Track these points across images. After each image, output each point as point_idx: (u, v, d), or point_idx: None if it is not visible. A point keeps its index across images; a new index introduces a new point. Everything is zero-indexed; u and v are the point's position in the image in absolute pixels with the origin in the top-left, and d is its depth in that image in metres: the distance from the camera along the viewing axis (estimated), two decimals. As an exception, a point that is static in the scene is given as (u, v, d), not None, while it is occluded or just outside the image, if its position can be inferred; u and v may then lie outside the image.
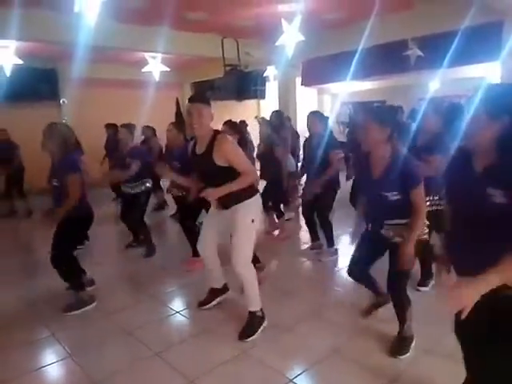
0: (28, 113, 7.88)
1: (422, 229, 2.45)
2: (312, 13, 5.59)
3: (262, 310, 2.99)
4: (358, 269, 2.79)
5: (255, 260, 3.57)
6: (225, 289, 3.37)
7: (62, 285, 3.53)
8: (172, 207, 6.30)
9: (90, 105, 8.76)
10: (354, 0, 5.40)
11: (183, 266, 4.24)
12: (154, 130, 6.84)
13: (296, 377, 2.45)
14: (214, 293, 3.35)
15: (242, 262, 2.85)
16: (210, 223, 3.15)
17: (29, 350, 2.85)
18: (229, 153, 2.76)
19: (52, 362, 2.71)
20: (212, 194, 2.79)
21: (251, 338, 2.84)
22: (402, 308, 2.58)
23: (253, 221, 2.88)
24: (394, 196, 2.39)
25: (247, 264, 2.90)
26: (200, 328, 3.05)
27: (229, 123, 4.48)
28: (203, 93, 3.04)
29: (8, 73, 6.56)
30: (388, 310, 2.78)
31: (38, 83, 8.33)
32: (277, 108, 8.33)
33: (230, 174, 2.77)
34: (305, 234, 5.05)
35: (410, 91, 9.01)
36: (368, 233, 2.69)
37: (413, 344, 2.62)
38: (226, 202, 2.90)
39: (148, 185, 4.66)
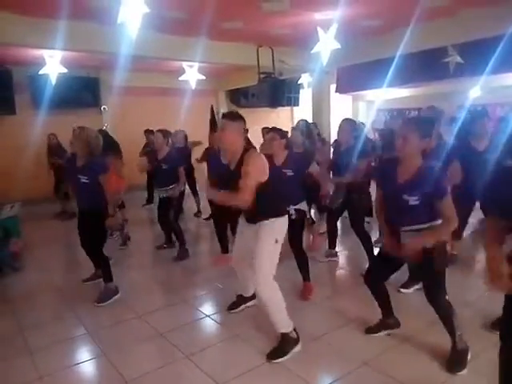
0: (71, 119, 8.22)
1: (446, 236, 2.48)
2: (348, 20, 5.55)
3: (295, 330, 2.81)
4: (372, 278, 2.80)
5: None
6: (253, 297, 3.40)
7: (98, 283, 3.69)
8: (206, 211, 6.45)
9: (130, 112, 9.08)
10: (392, 8, 5.32)
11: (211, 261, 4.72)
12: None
13: (325, 387, 2.43)
14: (241, 299, 3.43)
15: (264, 283, 2.71)
16: (240, 236, 3.11)
17: (66, 346, 2.97)
18: (246, 163, 2.67)
19: (87, 360, 2.82)
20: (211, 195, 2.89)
21: (279, 360, 2.69)
22: (446, 318, 2.51)
23: (276, 241, 2.76)
24: (414, 201, 2.40)
25: (267, 284, 2.73)
26: (230, 333, 3.08)
27: (276, 130, 4.31)
28: (234, 111, 3.08)
29: (53, 81, 6.91)
30: (424, 322, 2.71)
31: (81, 91, 8.69)
32: (310, 115, 8.32)
33: (260, 190, 2.68)
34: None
35: (448, 99, 8.76)
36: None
37: (469, 357, 2.51)
38: (251, 217, 2.88)
39: (178, 189, 4.78)
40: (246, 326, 3.13)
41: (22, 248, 4.78)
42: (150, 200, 7.96)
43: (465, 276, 3.97)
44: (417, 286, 3.54)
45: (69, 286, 4.15)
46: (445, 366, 2.51)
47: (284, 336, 2.77)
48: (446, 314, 2.51)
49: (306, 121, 6.00)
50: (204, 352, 2.82)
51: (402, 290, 3.61)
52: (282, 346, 2.76)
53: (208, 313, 3.45)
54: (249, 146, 2.93)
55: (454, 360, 2.51)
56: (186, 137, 6.87)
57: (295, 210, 3.47)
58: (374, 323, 2.97)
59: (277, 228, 2.81)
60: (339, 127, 4.24)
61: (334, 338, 2.94)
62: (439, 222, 2.41)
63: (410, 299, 3.42)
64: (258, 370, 2.59)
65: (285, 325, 2.78)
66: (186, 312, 3.47)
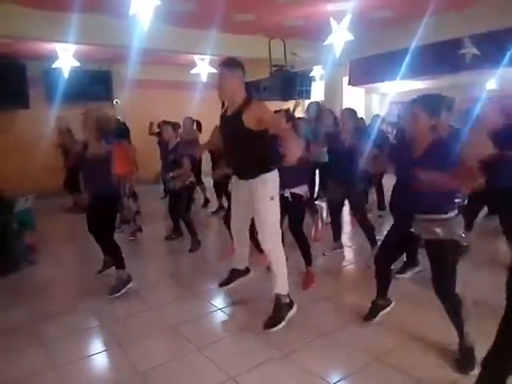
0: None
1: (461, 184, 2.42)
2: (362, 11, 5.46)
3: (289, 295, 2.97)
4: (384, 259, 2.83)
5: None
6: (246, 271, 3.31)
7: (111, 275, 3.74)
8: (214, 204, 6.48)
9: (141, 105, 9.10)
10: (406, -2, 5.23)
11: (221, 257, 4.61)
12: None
13: (336, 382, 2.42)
14: (235, 274, 3.31)
15: (268, 240, 2.84)
16: (235, 203, 3.08)
17: (80, 337, 3.01)
18: (263, 112, 2.65)
19: (100, 351, 2.86)
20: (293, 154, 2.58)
21: (277, 328, 2.85)
22: (453, 312, 2.47)
23: (272, 198, 2.83)
24: None
25: (275, 242, 2.88)
26: (241, 326, 3.08)
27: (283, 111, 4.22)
28: (232, 58, 2.84)
29: (66, 75, 6.96)
30: (436, 319, 2.68)
31: (94, 84, 8.74)
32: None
33: (257, 140, 2.69)
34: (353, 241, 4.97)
35: (463, 91, 8.58)
36: (396, 225, 2.74)
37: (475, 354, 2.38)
38: (242, 172, 2.90)
39: (188, 180, 4.84)
40: (258, 320, 3.12)
41: (37, 241, 4.84)
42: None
43: (475, 268, 3.88)
44: (415, 270, 3.61)
45: (83, 278, 4.20)
46: (455, 366, 2.43)
47: (278, 298, 2.94)
48: (452, 307, 2.46)
49: (317, 103, 5.84)
50: (216, 345, 2.84)
51: (397, 275, 3.59)
52: (277, 313, 2.92)
53: (219, 306, 3.46)
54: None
55: (462, 360, 2.42)
56: (193, 123, 6.90)
57: (292, 193, 3.49)
58: (368, 309, 3.01)
59: (269, 185, 2.84)
60: (341, 116, 4.24)
61: (345, 333, 2.93)
62: (453, 214, 2.40)
63: (420, 293, 3.37)
64: (270, 364, 2.59)
65: (282, 287, 2.93)
66: (198, 305, 3.48)
